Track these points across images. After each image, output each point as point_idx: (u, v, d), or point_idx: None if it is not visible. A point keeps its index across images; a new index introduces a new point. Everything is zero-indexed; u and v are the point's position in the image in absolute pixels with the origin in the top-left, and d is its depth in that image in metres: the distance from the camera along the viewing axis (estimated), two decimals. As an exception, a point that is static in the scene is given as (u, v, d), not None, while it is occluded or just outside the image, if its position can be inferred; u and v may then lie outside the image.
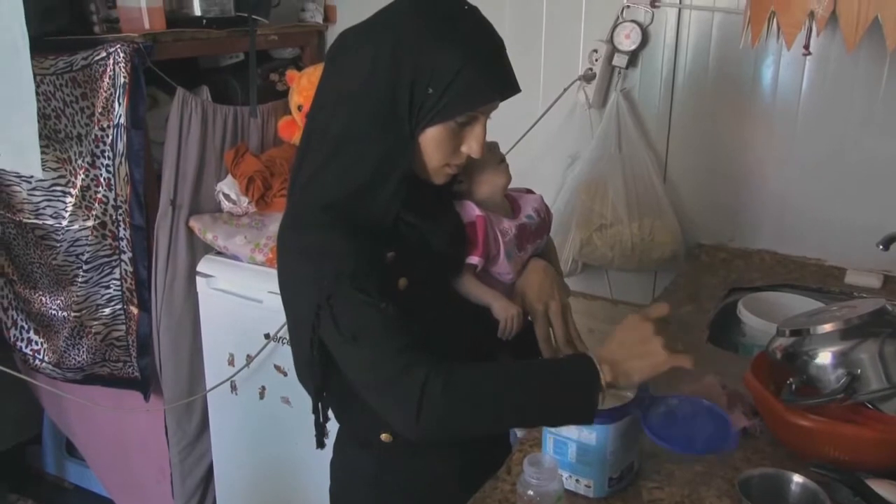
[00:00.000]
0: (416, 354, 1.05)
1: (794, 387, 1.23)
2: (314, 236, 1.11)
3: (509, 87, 1.12)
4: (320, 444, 1.24)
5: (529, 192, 1.38)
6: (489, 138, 1.24)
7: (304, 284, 1.12)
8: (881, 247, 1.61)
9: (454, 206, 1.24)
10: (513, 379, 1.07)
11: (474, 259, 1.21)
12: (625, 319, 1.10)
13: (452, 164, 1.15)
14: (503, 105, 1.14)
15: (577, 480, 1.16)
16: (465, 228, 1.21)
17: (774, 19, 1.52)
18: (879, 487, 1.09)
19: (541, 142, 2.28)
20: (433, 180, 1.17)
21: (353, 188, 1.10)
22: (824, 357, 1.19)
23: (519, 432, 1.39)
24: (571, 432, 1.13)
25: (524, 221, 1.30)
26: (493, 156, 1.25)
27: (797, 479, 1.09)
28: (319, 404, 1.20)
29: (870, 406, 1.23)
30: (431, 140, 1.11)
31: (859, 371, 1.16)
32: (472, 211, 1.22)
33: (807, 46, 1.74)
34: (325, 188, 1.12)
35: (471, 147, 1.13)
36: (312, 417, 1.21)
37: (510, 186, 1.32)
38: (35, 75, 1.89)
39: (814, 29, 1.52)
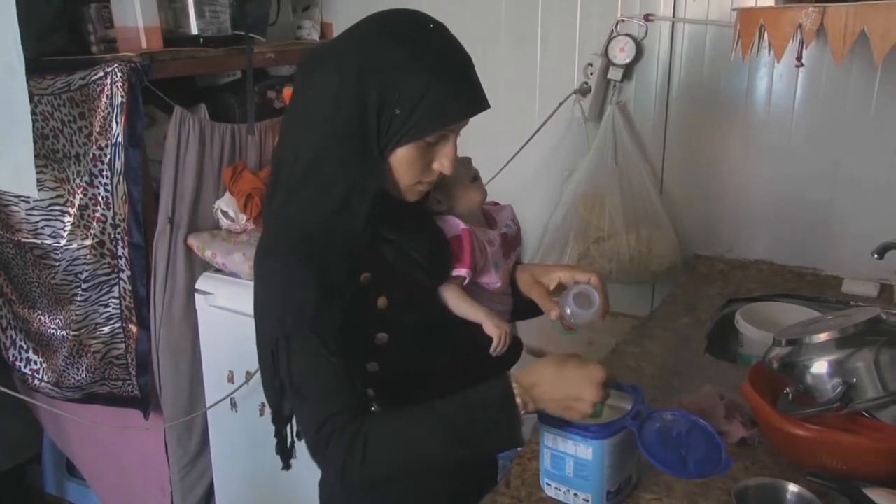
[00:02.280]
0: (342, 420, 1.07)
1: (790, 396, 1.23)
2: (283, 267, 1.11)
3: (477, 104, 1.11)
4: (286, 467, 1.24)
5: (497, 204, 1.38)
6: (463, 153, 1.25)
7: (268, 315, 1.13)
8: (876, 256, 1.61)
9: (435, 222, 1.23)
10: (431, 428, 1.07)
11: (462, 271, 1.21)
12: (580, 361, 1.09)
13: (424, 181, 1.15)
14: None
15: (575, 495, 1.16)
16: (450, 242, 1.21)
17: (764, 32, 1.53)
18: (877, 496, 1.09)
19: (537, 155, 2.29)
20: (406, 198, 1.17)
21: (327, 211, 1.10)
22: (820, 366, 1.19)
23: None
24: (568, 448, 1.14)
25: (504, 230, 1.31)
26: (465, 171, 1.25)
27: (793, 488, 1.09)
28: (283, 429, 1.21)
29: (866, 415, 1.23)
30: (402, 160, 1.11)
31: (855, 380, 1.16)
32: (456, 224, 1.22)
33: (799, 59, 1.75)
34: (299, 213, 1.12)
35: (442, 164, 1.13)
36: None
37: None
38: (33, 95, 1.90)
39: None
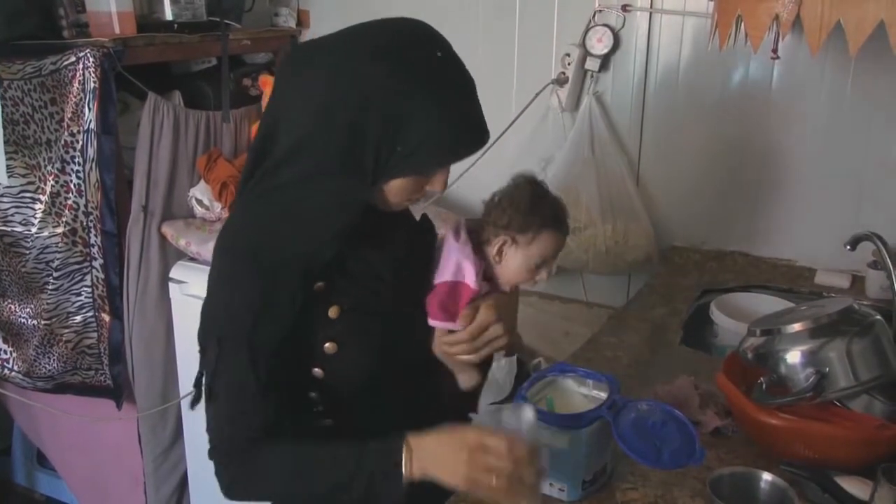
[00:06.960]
0: (245, 438, 1.06)
1: (764, 386, 1.24)
2: (233, 270, 1.08)
3: (480, 142, 1.08)
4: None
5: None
6: None
7: (210, 310, 1.10)
8: (849, 247, 1.63)
9: (410, 219, 1.23)
10: (321, 465, 1.05)
11: (451, 326, 1.18)
12: (492, 437, 1.00)
13: (413, 198, 1.12)
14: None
15: (550, 484, 1.16)
16: (449, 287, 1.19)
17: (741, 23, 1.54)
18: (848, 484, 1.11)
19: (514, 145, 2.29)
20: (391, 210, 1.13)
21: (299, 221, 1.06)
22: (794, 356, 1.20)
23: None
24: (544, 437, 1.13)
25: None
26: None
27: (766, 477, 1.10)
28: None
29: (839, 404, 1.24)
30: (396, 188, 1.07)
31: (828, 369, 1.18)
32: (470, 276, 1.19)
33: (775, 50, 1.76)
34: (268, 216, 1.07)
35: (434, 186, 1.11)
36: None
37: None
38: (2, 80, 1.87)
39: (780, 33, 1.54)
